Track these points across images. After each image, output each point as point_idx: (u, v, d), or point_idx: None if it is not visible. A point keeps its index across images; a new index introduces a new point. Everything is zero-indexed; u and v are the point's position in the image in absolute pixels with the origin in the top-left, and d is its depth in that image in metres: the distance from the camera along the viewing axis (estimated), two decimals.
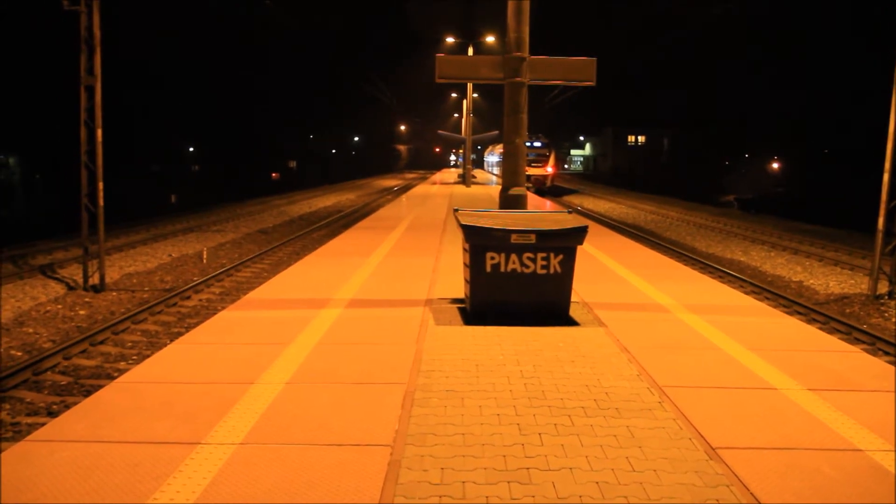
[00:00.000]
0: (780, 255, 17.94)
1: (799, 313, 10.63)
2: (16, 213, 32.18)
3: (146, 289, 12.65)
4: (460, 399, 4.33)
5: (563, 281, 6.29)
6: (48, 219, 23.99)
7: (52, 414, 6.51)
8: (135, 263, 15.09)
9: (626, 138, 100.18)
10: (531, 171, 36.86)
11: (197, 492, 3.10)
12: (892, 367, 5.19)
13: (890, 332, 9.92)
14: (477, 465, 3.40)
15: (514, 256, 6.15)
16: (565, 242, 6.21)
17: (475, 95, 41.83)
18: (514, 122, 7.99)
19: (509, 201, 8.02)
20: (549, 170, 41.57)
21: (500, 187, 8.54)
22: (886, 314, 11.23)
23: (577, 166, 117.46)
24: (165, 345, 8.58)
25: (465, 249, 6.46)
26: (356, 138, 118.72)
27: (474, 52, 35.54)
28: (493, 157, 68.40)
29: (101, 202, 12.25)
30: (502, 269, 6.17)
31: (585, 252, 8.52)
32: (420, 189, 34.65)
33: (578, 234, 6.24)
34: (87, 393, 7.02)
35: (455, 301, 7.21)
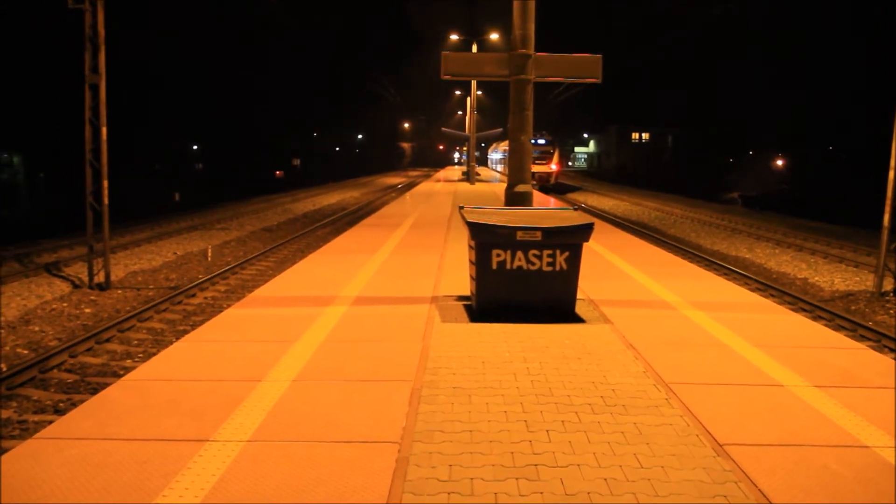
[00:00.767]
0: (785, 252, 17.90)
1: (804, 310, 10.61)
2: (20, 212, 32.26)
3: (151, 287, 12.68)
4: (467, 396, 4.34)
5: (569, 278, 6.28)
6: (52, 217, 24.05)
7: (59, 412, 6.53)
8: (140, 262, 15.12)
9: (630, 136, 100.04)
10: (535, 168, 36.78)
11: (206, 489, 3.10)
12: None
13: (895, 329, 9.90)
14: (485, 462, 3.40)
15: (520, 253, 6.15)
16: (571, 239, 6.20)
17: (479, 93, 41.76)
18: (520, 120, 7.98)
19: (515, 198, 8.01)
20: (554, 167, 41.52)
21: (504, 185, 8.53)
22: (892, 311, 11.20)
23: (581, 164, 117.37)
24: (171, 343, 8.62)
25: (470, 247, 6.46)
26: (360, 136, 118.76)
27: (478, 50, 35.50)
28: (496, 154, 68.33)
29: (106, 200, 12.28)
30: (508, 266, 6.17)
31: (590, 249, 8.52)
32: (424, 187, 34.65)
33: (584, 231, 6.24)
34: (94, 391, 7.04)
35: (461, 298, 7.21)
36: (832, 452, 3.57)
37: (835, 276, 14.34)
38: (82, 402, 6.41)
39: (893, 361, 5.30)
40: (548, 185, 40.25)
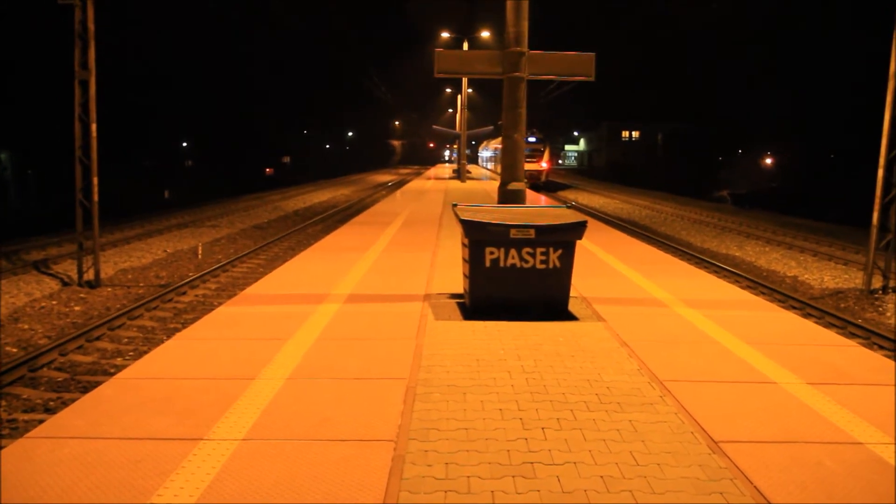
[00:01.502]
0: (775, 249, 18.00)
1: (794, 308, 10.67)
2: (8, 209, 31.96)
3: (141, 284, 12.59)
4: (462, 394, 4.33)
5: (563, 276, 6.29)
6: (41, 215, 23.85)
7: (49, 410, 6.47)
8: (129, 259, 15.02)
9: (621, 133, 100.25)
10: (526, 166, 36.64)
11: (201, 488, 3.08)
12: (890, 361, 5.22)
13: (885, 327, 9.99)
14: (481, 460, 3.40)
15: (513, 251, 6.15)
16: (565, 237, 6.21)
17: (470, 90, 41.76)
18: (513, 117, 7.98)
19: (508, 196, 8.01)
20: (544, 165, 41.58)
21: (494, 182, 8.53)
22: (881, 308, 11.29)
23: (571, 162, 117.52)
24: (162, 341, 8.57)
25: (464, 244, 6.46)
26: (350, 133, 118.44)
27: (469, 48, 35.46)
28: (487, 152, 68.34)
29: (96, 197, 12.18)
30: (502, 263, 6.17)
31: (582, 247, 8.53)
32: (415, 184, 34.61)
33: (578, 228, 6.24)
34: (84, 389, 6.99)
35: (454, 296, 7.20)
36: (826, 449, 3.59)
37: (824, 274, 14.44)
38: (73, 400, 6.37)
39: (885, 358, 5.34)
40: (538, 183, 40.29)
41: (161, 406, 4.05)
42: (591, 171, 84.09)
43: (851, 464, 3.43)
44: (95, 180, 12.12)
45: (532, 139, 41.10)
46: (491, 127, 52.87)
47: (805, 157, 55.84)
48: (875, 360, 5.29)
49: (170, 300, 10.91)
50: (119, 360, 7.99)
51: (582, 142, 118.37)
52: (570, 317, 6.36)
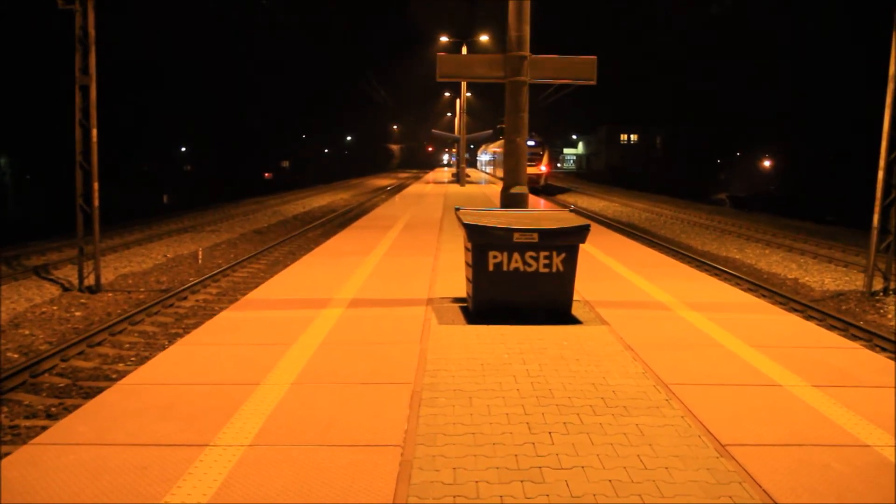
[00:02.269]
0: (775, 252, 18.01)
1: (796, 310, 10.67)
2: (7, 214, 31.94)
3: (142, 290, 12.57)
4: (468, 398, 4.32)
5: (566, 279, 6.28)
6: (40, 220, 23.83)
7: (51, 416, 6.45)
8: (130, 264, 14.99)
9: (619, 136, 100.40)
10: None
11: (209, 494, 3.07)
12: (894, 363, 5.21)
13: (886, 329, 9.99)
14: (489, 465, 3.39)
15: (516, 255, 6.15)
16: (568, 241, 6.21)
17: (468, 94, 41.80)
18: (515, 121, 7.99)
19: (511, 200, 8.02)
20: (543, 168, 41.62)
21: (493, 186, 8.53)
22: (882, 311, 11.29)
23: (569, 165, 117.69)
24: (163, 346, 8.55)
25: (467, 248, 6.45)
26: (349, 138, 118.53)
27: (469, 52, 35.53)
28: (485, 156, 68.41)
29: (97, 202, 12.16)
30: (505, 267, 6.17)
31: (584, 250, 8.50)
32: (414, 188, 34.62)
33: (581, 232, 6.24)
34: (86, 395, 6.97)
35: (456, 300, 7.20)
36: (834, 452, 3.59)
37: (825, 276, 14.44)
38: (75, 406, 6.36)
39: (889, 360, 5.34)
40: (537, 187, 40.30)
41: (165, 412, 4.04)
42: (589, 175, 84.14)
43: (859, 466, 3.43)
44: (96, 185, 12.10)
45: (531, 143, 41.09)
46: (490, 131, 52.94)
47: (804, 159, 55.91)
48: (879, 362, 5.29)
49: (171, 305, 10.89)
50: (121, 366, 7.97)
51: (580, 145, 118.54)
52: (574, 320, 6.36)
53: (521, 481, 3.22)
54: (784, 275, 14.88)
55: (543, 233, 6.12)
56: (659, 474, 3.32)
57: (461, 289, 7.42)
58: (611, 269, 9.48)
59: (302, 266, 9.58)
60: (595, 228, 15.22)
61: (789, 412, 4.14)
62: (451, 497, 3.07)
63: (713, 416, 4.05)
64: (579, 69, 8.02)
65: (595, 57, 7.94)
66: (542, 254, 6.16)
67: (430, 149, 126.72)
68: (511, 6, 7.77)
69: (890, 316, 10.92)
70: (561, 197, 40.98)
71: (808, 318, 10.08)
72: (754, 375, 4.83)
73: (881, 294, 12.12)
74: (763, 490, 3.18)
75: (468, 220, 6.24)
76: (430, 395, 4.35)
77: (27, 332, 9.54)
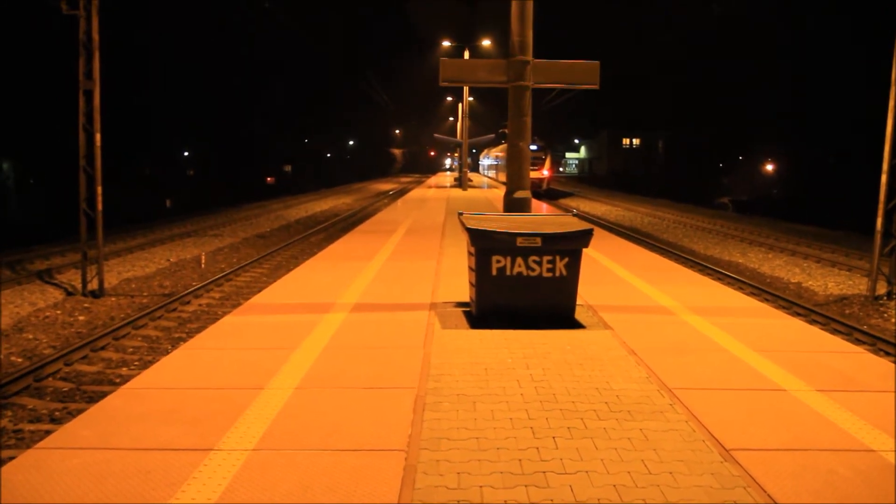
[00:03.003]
0: (778, 256, 17.99)
1: (799, 314, 10.65)
2: (11, 218, 31.99)
3: (145, 294, 12.59)
4: (472, 403, 4.32)
5: (569, 284, 6.29)
6: (44, 224, 23.86)
7: (55, 420, 6.46)
8: (133, 268, 15.02)
9: (621, 141, 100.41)
10: None
11: (213, 498, 3.07)
12: None
13: (890, 333, 9.96)
14: (493, 470, 3.38)
15: (519, 260, 6.15)
16: (571, 245, 6.21)
17: (470, 99, 41.87)
18: (518, 126, 7.99)
19: (514, 204, 8.01)
20: (545, 173, 41.63)
21: (495, 190, 8.53)
22: (886, 315, 11.27)
23: (571, 169, 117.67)
24: (167, 350, 8.56)
25: (470, 253, 6.45)
26: (351, 142, 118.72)
27: (471, 56, 35.59)
28: (488, 160, 68.44)
29: (100, 207, 12.19)
30: (508, 272, 6.17)
31: (587, 255, 8.47)
32: (416, 193, 34.64)
33: (584, 236, 6.24)
34: (90, 399, 6.98)
35: (459, 304, 7.20)
36: (838, 456, 3.58)
37: (828, 280, 14.42)
38: (78, 410, 6.37)
39: (892, 364, 5.33)
40: (540, 191, 40.29)
41: (169, 416, 4.04)
42: (592, 179, 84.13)
43: (864, 471, 3.42)
44: (99, 190, 12.13)
45: (533, 147, 41.15)
46: (492, 135, 52.99)
47: (807, 162, 55.86)
48: (883, 366, 5.27)
49: (174, 310, 10.90)
50: (124, 370, 7.98)
51: (583, 149, 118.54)
52: (577, 325, 6.35)
53: (525, 486, 3.22)
54: (787, 279, 14.86)
55: (546, 237, 6.12)
56: (663, 479, 3.31)
57: (464, 293, 7.42)
58: (614, 273, 9.48)
59: (305, 270, 9.58)
60: (598, 233, 15.21)
61: (793, 416, 4.14)
62: (456, 501, 3.07)
63: (717, 421, 4.05)
64: (582, 74, 8.03)
65: (598, 62, 7.95)
66: (546, 258, 6.16)
67: (432, 153, 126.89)
68: (514, 10, 7.78)
69: (893, 320, 10.89)
70: (563, 201, 40.98)
71: (812, 322, 10.06)
72: (758, 380, 4.82)
73: (885, 298, 12.10)
74: (767, 495, 3.17)
75: (471, 225, 6.24)
76: (434, 400, 4.35)
77: (31, 336, 9.56)
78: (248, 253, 18.05)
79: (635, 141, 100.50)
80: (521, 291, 6.21)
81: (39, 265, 14.78)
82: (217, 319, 8.23)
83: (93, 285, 12.29)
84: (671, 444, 3.73)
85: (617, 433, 3.87)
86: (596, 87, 8.03)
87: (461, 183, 37.30)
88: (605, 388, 4.62)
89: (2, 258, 15.02)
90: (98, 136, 12.03)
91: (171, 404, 4.24)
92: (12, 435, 6.19)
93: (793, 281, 14.62)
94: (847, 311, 11.59)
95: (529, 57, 7.85)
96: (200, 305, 11.43)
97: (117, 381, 7.55)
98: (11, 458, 3.65)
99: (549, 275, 6.20)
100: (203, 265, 15.93)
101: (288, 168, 77.99)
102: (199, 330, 9.41)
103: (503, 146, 39.01)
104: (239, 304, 9.00)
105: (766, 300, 11.65)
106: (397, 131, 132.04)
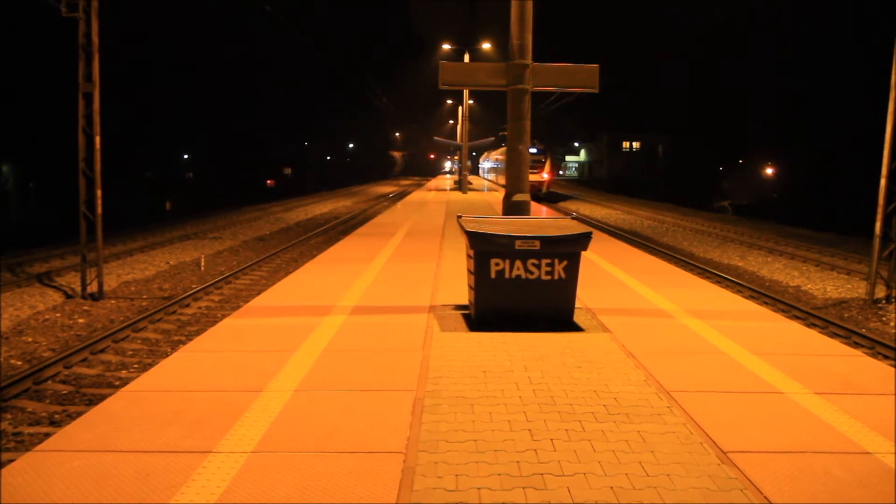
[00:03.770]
0: (777, 259, 18.01)
1: (798, 318, 10.67)
2: (10, 221, 32.02)
3: (145, 297, 12.60)
4: (470, 405, 4.33)
5: (568, 287, 6.30)
6: (43, 227, 23.90)
7: (55, 423, 6.47)
8: (133, 271, 15.03)
9: (621, 144, 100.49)
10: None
11: (212, 500, 3.08)
12: (895, 371, 5.21)
13: (889, 336, 9.97)
14: (491, 472, 3.40)
15: (518, 263, 6.16)
16: (570, 248, 6.22)
17: (470, 102, 41.94)
18: (517, 129, 8.01)
19: (513, 207, 8.03)
20: (545, 176, 41.65)
21: (495, 193, 8.55)
22: (884, 318, 11.28)
23: (571, 172, 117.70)
24: (166, 353, 8.57)
25: (469, 256, 6.47)
26: (350, 145, 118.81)
27: (471, 59, 35.64)
28: (487, 163, 68.45)
29: (100, 210, 12.20)
30: (507, 275, 6.18)
31: (586, 258, 8.50)
32: (416, 195, 34.67)
33: (583, 240, 6.26)
34: (90, 402, 6.99)
35: (458, 307, 7.21)
36: (835, 459, 3.59)
37: (827, 284, 14.44)
38: (78, 413, 6.38)
39: (891, 368, 5.34)
40: (539, 194, 40.31)
41: (169, 419, 4.06)
42: (592, 182, 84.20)
43: (861, 474, 3.43)
44: (99, 192, 12.15)
45: (533, 150, 41.17)
46: (492, 138, 53.04)
47: (806, 166, 55.92)
48: (881, 369, 5.29)
49: (173, 312, 10.91)
50: (124, 373, 7.99)
51: (583, 153, 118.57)
52: (576, 328, 6.37)
53: (523, 488, 3.23)
54: (786, 282, 14.87)
55: (545, 240, 6.14)
56: (661, 481, 3.33)
57: (463, 296, 7.44)
58: (613, 276, 9.49)
59: (304, 273, 9.60)
60: (597, 236, 15.23)
61: (791, 419, 4.15)
62: (453, 503, 3.08)
63: (715, 424, 4.06)
64: (581, 77, 8.06)
65: (597, 65, 7.98)
66: (544, 261, 6.18)
67: (431, 156, 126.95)
68: (513, 14, 7.81)
69: (892, 324, 10.91)
70: (563, 204, 41.00)
71: (811, 325, 10.07)
72: (756, 383, 4.83)
73: (883, 302, 12.11)
74: (764, 497, 3.18)
75: (470, 228, 6.26)
76: (433, 402, 4.37)
77: (30, 339, 9.57)
78: (247, 256, 18.06)
79: (635, 144, 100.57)
80: (519, 294, 6.23)
81: (39, 268, 14.79)
82: (216, 322, 8.25)
83: (92, 288, 12.30)
84: (669, 446, 3.74)
85: (615, 435, 3.88)
86: (595, 90, 8.06)
87: (461, 186, 37.32)
88: (603, 391, 4.64)
89: (1, 261, 15.03)
90: (98, 139, 12.05)
91: (171, 407, 4.25)
92: (12, 438, 6.19)
93: (792, 284, 14.63)
94: (846, 315, 11.60)
95: (529, 60, 7.88)
96: (200, 308, 11.44)
97: (117, 383, 7.56)
98: (11, 461, 3.66)
99: (548, 278, 6.21)
100: (203, 268, 15.94)
101: (288, 171, 78.05)
102: (198, 332, 9.43)
103: (503, 149, 39.07)
104: (238, 307, 9.01)
105: (765, 303, 11.66)
106: (397, 134, 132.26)
